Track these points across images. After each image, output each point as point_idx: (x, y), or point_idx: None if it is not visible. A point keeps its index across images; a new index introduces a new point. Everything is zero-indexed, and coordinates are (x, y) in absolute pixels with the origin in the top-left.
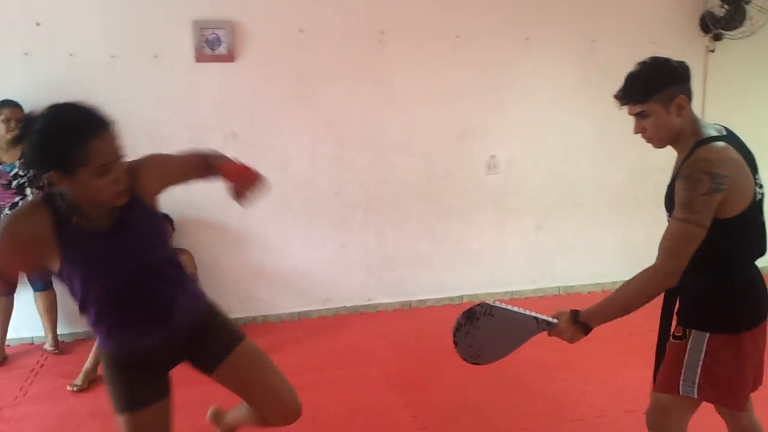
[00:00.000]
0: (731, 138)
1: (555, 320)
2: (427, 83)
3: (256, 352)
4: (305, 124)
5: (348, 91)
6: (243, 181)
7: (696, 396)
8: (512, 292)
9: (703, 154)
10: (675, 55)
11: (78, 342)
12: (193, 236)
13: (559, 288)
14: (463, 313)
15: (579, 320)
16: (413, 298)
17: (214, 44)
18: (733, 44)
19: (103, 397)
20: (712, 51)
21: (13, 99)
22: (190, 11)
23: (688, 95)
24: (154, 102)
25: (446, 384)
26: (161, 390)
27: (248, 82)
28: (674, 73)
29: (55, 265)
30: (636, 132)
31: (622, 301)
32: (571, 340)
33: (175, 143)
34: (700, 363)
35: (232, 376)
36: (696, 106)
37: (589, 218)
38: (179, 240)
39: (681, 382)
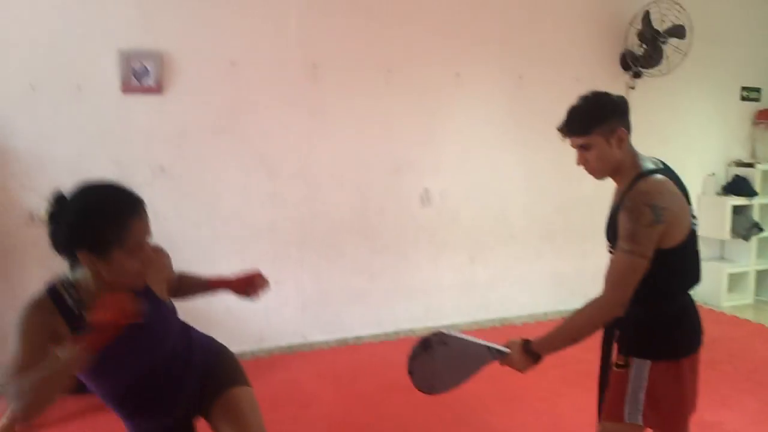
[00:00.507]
0: (667, 171)
1: (507, 349)
2: (361, 116)
3: (248, 401)
4: (236, 158)
5: (280, 125)
6: (251, 288)
7: (641, 422)
8: (448, 325)
9: (644, 187)
10: None
11: None
12: None
13: (493, 320)
14: (419, 341)
15: (530, 349)
16: (349, 335)
17: (142, 75)
18: (651, 82)
19: None
20: (632, 88)
21: None
22: (116, 40)
23: (628, 128)
24: (78, 135)
25: (387, 423)
26: None
27: (177, 114)
28: (615, 106)
29: None
30: (578, 163)
31: (571, 331)
32: (522, 369)
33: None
34: (643, 390)
35: (216, 419)
36: None
37: (520, 250)
38: None
39: (626, 410)
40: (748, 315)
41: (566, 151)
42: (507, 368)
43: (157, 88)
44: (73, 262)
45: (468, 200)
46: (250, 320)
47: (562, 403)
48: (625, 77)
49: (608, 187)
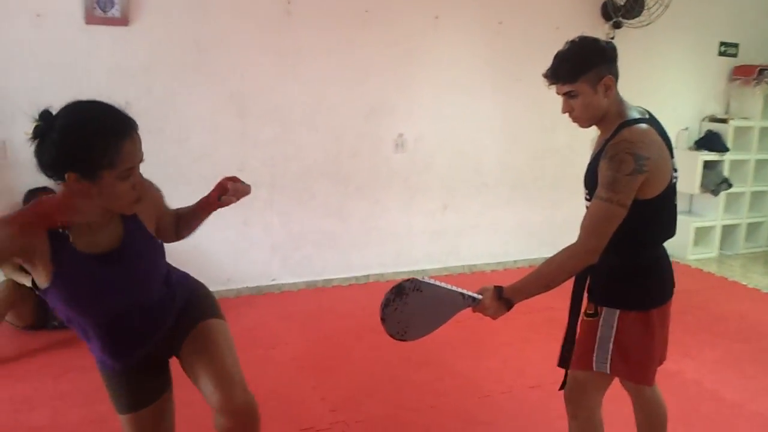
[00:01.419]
0: (653, 121)
1: (480, 296)
2: (335, 57)
3: (221, 332)
4: (205, 95)
5: (251, 62)
6: (224, 194)
7: (609, 371)
8: (418, 270)
9: (627, 136)
10: None
11: None
12: None
13: (463, 266)
14: (392, 288)
15: (503, 296)
16: (319, 278)
17: (107, 6)
18: (631, 33)
19: None
20: (612, 38)
21: None
22: None
23: (615, 76)
24: (37, 67)
25: (354, 364)
26: (161, 386)
27: (144, 48)
28: (602, 53)
29: (42, 282)
30: (564, 111)
31: (545, 277)
32: (494, 316)
33: None
34: (612, 339)
35: (188, 352)
36: None
37: (492, 199)
38: None
39: (594, 359)
40: (712, 268)
41: (542, 100)
42: (476, 313)
43: (123, 20)
44: (62, 182)
45: (442, 147)
46: (218, 260)
47: (529, 350)
48: (605, 27)
49: (582, 137)
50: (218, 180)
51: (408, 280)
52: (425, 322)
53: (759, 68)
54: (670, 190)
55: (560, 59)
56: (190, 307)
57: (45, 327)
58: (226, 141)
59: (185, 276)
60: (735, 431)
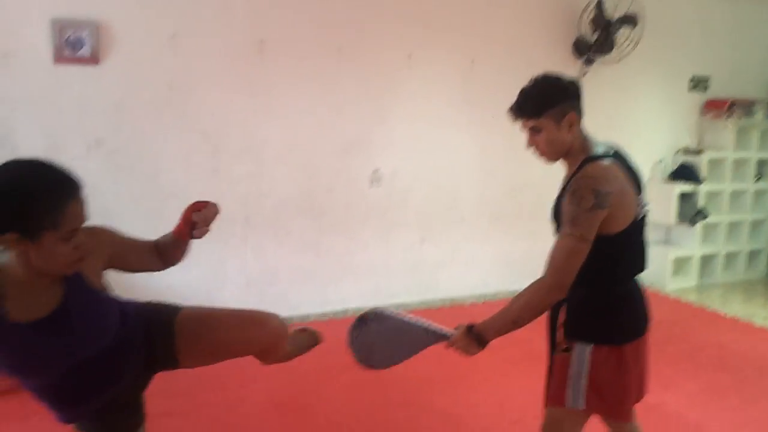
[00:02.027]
0: (619, 157)
1: (449, 332)
2: (310, 95)
3: (193, 314)
4: (177, 133)
5: (224, 100)
6: (190, 221)
7: (584, 407)
8: (397, 304)
9: (589, 171)
10: None
11: None
12: None
13: (443, 300)
14: (357, 317)
15: (474, 332)
16: (295, 313)
17: (76, 45)
18: (603, 69)
19: None
20: (585, 74)
21: None
22: (47, 9)
23: (579, 112)
24: (5, 105)
25: (331, 403)
26: (134, 425)
27: (115, 86)
28: (566, 90)
29: None
30: (528, 146)
31: (513, 314)
32: (466, 353)
33: (31, 152)
34: (586, 375)
35: (197, 354)
36: None
37: (470, 231)
38: None
39: (568, 395)
40: (692, 298)
41: (517, 134)
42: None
43: (93, 59)
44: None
45: (419, 181)
46: (191, 298)
47: (509, 384)
48: (578, 64)
49: (557, 171)
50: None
51: (372, 310)
52: (391, 352)
53: (729, 102)
54: (637, 225)
55: (525, 95)
56: (153, 327)
57: None
58: (198, 178)
59: (135, 306)
60: None
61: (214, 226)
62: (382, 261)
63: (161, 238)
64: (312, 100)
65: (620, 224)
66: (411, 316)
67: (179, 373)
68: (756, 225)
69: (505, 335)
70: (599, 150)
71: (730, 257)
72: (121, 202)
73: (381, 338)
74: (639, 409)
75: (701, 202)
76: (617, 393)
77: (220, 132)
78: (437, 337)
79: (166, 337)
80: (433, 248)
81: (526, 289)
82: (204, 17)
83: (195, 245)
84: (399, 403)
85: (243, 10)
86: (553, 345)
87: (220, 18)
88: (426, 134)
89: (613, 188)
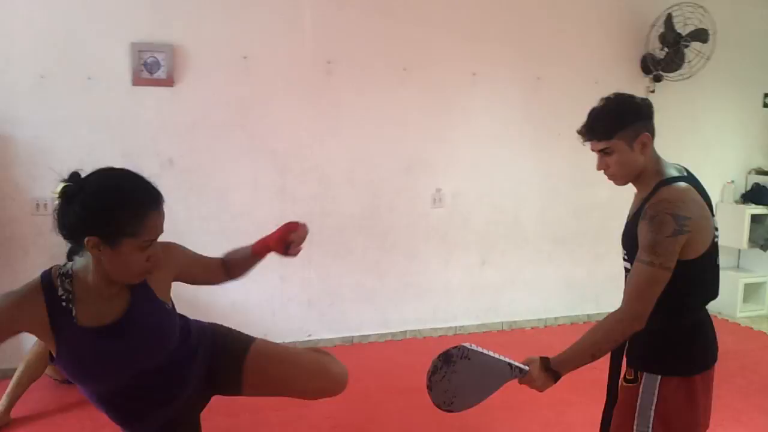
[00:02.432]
0: (691, 179)
1: (527, 367)
2: (374, 115)
3: (266, 351)
4: (247, 153)
5: (292, 121)
6: (288, 243)
7: None
8: (456, 327)
9: (666, 195)
10: None
11: None
12: None
13: (503, 323)
14: (440, 355)
15: (549, 367)
16: (355, 334)
17: (153, 68)
18: (672, 86)
19: None
20: (653, 92)
21: None
22: (128, 32)
23: (652, 133)
24: (87, 125)
25: (388, 425)
26: None
27: (188, 107)
28: (639, 110)
29: (53, 350)
30: (599, 168)
31: (591, 347)
32: (541, 388)
33: None
34: (653, 407)
35: (262, 384)
36: None
37: (532, 254)
38: None
39: (635, 427)
40: (764, 327)
41: (581, 154)
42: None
43: (168, 81)
44: (76, 248)
45: (481, 202)
46: (255, 316)
47: (571, 413)
48: (645, 81)
49: (624, 192)
50: (274, 229)
51: (456, 347)
52: (472, 392)
53: None
54: (712, 250)
55: (595, 116)
56: (223, 354)
57: None
58: (265, 197)
59: (202, 326)
60: None
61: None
62: (442, 282)
63: (231, 252)
64: (376, 120)
65: (698, 250)
66: (489, 350)
67: None
68: None
69: None
70: (672, 172)
71: None
72: (191, 220)
73: (464, 378)
74: None
75: None
76: (685, 425)
77: (288, 152)
78: (518, 372)
79: (234, 369)
80: (494, 271)
81: (603, 321)
82: (274, 39)
83: (260, 264)
84: (457, 427)
85: (311, 32)
86: (616, 374)
87: (289, 40)
88: (488, 154)
89: (692, 213)
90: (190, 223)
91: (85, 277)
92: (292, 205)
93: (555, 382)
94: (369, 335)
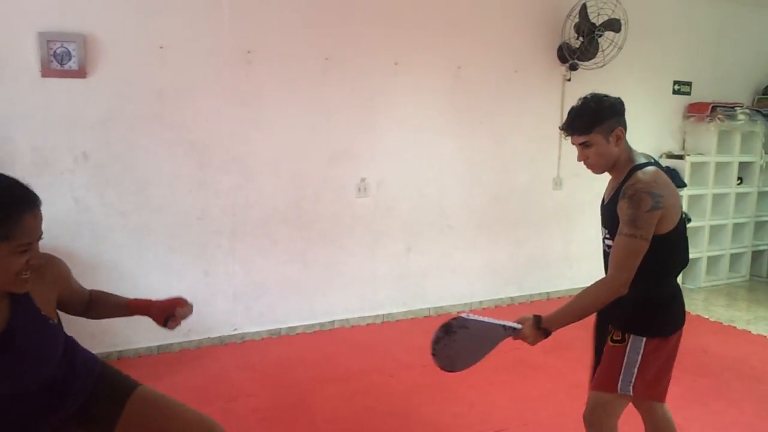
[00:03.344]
0: (658, 165)
1: (520, 326)
2: (297, 105)
3: (151, 396)
4: (165, 145)
5: (212, 111)
6: (171, 317)
7: (632, 393)
8: (384, 315)
9: (641, 177)
10: (536, 83)
11: None
12: None
13: (429, 309)
14: (441, 327)
15: (541, 325)
16: (282, 326)
17: (63, 58)
18: (587, 74)
19: None
20: (569, 80)
21: None
22: (34, 22)
23: (625, 127)
24: None
25: (319, 415)
26: None
27: (102, 99)
28: (613, 107)
29: None
30: (579, 160)
31: (580, 308)
32: (533, 343)
33: (18, 165)
34: (638, 364)
35: (135, 428)
36: (555, 130)
37: (456, 240)
38: None
39: (620, 382)
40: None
41: (504, 141)
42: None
43: (81, 72)
44: None
45: (405, 190)
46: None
47: (495, 392)
48: (562, 69)
49: (542, 177)
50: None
51: (455, 318)
52: (471, 354)
53: (711, 105)
54: (682, 224)
55: (575, 114)
56: (105, 388)
57: None
58: (186, 190)
59: (92, 355)
60: None
61: (202, 237)
62: (368, 271)
63: (102, 294)
64: (299, 109)
65: (670, 224)
66: (483, 317)
67: (171, 386)
68: (738, 228)
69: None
70: (641, 159)
71: (713, 261)
72: (109, 215)
73: (464, 343)
74: (623, 414)
75: (684, 206)
76: (661, 379)
77: (208, 143)
78: (511, 331)
79: (115, 403)
80: (420, 257)
81: (591, 287)
82: (191, 28)
83: (182, 256)
84: (386, 413)
85: (230, 20)
86: (602, 336)
87: (207, 28)
88: (413, 142)
89: (663, 192)
90: (108, 220)
91: None
92: (214, 197)
93: (545, 338)
94: (296, 326)
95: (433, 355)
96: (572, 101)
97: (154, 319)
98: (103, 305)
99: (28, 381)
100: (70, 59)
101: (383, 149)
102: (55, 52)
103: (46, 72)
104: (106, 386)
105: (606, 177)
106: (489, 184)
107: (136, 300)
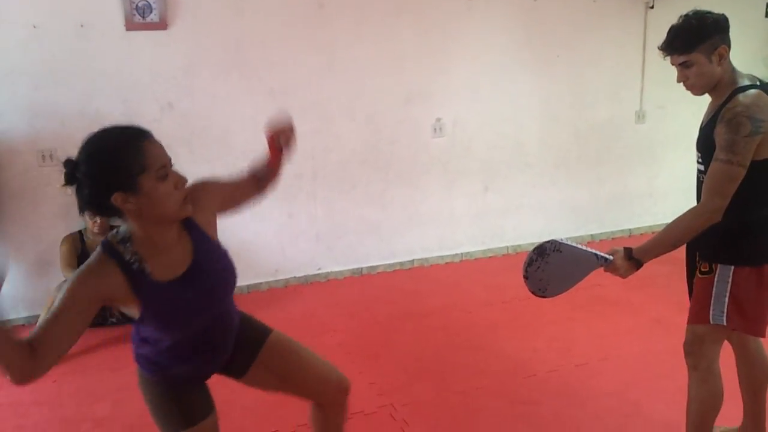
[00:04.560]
0: (763, 87)
1: (611, 257)
2: (370, 48)
3: (285, 341)
4: (245, 94)
5: (289, 58)
6: (278, 146)
7: (725, 323)
8: (462, 254)
9: (742, 100)
10: (616, 12)
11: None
12: None
13: (507, 248)
14: (535, 249)
15: (633, 257)
16: (363, 265)
17: (145, 11)
18: (670, 0)
19: None
20: (652, 7)
21: None
22: None
23: (728, 45)
24: (84, 74)
25: (400, 349)
26: (211, 401)
27: (183, 50)
28: (716, 24)
29: (134, 314)
30: (679, 80)
31: (673, 237)
32: (624, 275)
33: (109, 117)
34: (727, 294)
35: (266, 374)
36: (637, 61)
37: (534, 178)
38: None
39: (711, 312)
40: None
41: (582, 75)
42: (519, 294)
43: (162, 24)
44: (116, 213)
45: (481, 129)
46: (265, 252)
47: (574, 327)
48: None
49: (624, 112)
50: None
51: (549, 241)
52: (563, 280)
53: None
54: None
55: (675, 32)
56: (242, 334)
57: (103, 324)
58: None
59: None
60: None
61: (285, 181)
62: (446, 211)
63: (255, 165)
64: (373, 52)
65: None
66: (577, 244)
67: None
68: None
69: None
70: (745, 81)
71: None
72: (196, 163)
73: (555, 267)
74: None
75: None
76: (756, 310)
77: (286, 90)
78: (603, 261)
79: (255, 343)
80: (497, 196)
81: (684, 215)
82: None
83: (267, 200)
84: (466, 348)
85: None
86: (693, 268)
87: None
88: (488, 79)
89: (765, 116)
90: (194, 166)
91: (141, 236)
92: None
93: (637, 269)
94: (377, 266)
95: (525, 278)
96: (655, 30)
97: (273, 158)
98: (262, 176)
99: (219, 304)
100: (151, 12)
101: (458, 88)
102: (137, 5)
103: (130, 25)
104: (247, 323)
105: (691, 108)
106: (568, 119)
107: (269, 159)
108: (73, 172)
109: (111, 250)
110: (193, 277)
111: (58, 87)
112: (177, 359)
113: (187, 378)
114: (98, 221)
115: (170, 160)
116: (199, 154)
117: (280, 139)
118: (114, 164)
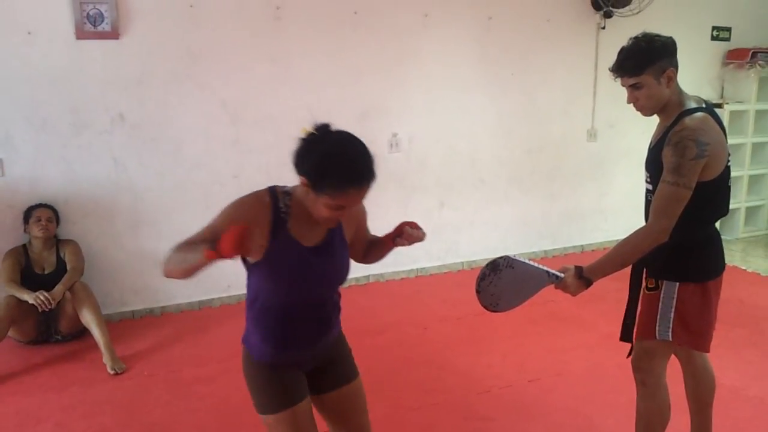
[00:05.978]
0: (709, 110)
1: (562, 274)
2: (326, 60)
3: (363, 393)
4: (198, 104)
5: (242, 69)
6: (394, 239)
7: (671, 339)
8: (417, 269)
9: (688, 123)
10: (569, 32)
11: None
12: (79, 225)
13: (462, 263)
14: (488, 264)
15: (583, 275)
16: None
17: (97, 20)
18: (622, 21)
19: None
20: (603, 28)
21: None
22: None
23: (676, 68)
24: (30, 82)
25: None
26: (306, 388)
27: (135, 60)
28: (664, 47)
29: (254, 256)
30: (629, 102)
31: (621, 257)
32: (574, 293)
33: (57, 127)
34: (673, 310)
35: (336, 407)
36: (589, 80)
37: (489, 194)
38: (65, 230)
39: (657, 328)
40: None
41: (536, 93)
42: (473, 310)
43: (114, 33)
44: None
45: (437, 145)
46: (218, 267)
47: (528, 343)
48: (596, 17)
49: (576, 128)
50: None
51: (502, 257)
52: (514, 295)
53: (752, 51)
54: (725, 173)
55: (626, 54)
56: (342, 359)
57: (48, 341)
58: (219, 148)
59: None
60: (734, 415)
61: (236, 196)
62: None
63: (374, 236)
64: (329, 66)
65: (714, 171)
66: (529, 260)
67: (212, 340)
68: None
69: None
70: (692, 103)
71: (751, 211)
72: (147, 175)
73: (508, 283)
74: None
75: None
76: (702, 325)
77: (240, 101)
78: (554, 278)
79: (342, 377)
80: (452, 212)
81: (633, 235)
82: None
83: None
84: (420, 364)
85: None
86: (637, 285)
87: None
88: (443, 96)
89: (710, 139)
90: (144, 178)
91: (300, 200)
92: (247, 155)
93: (587, 288)
94: None
95: (478, 292)
96: (607, 50)
97: (387, 243)
98: (375, 248)
99: (327, 290)
100: (102, 20)
101: (414, 104)
102: (88, 13)
103: (81, 34)
104: (343, 356)
105: (641, 126)
106: (521, 137)
107: (384, 237)
108: (315, 139)
109: (273, 192)
110: (317, 253)
111: (2, 95)
112: (285, 323)
113: (290, 362)
114: (43, 224)
115: (356, 205)
116: (149, 166)
117: (401, 237)
118: (325, 174)
